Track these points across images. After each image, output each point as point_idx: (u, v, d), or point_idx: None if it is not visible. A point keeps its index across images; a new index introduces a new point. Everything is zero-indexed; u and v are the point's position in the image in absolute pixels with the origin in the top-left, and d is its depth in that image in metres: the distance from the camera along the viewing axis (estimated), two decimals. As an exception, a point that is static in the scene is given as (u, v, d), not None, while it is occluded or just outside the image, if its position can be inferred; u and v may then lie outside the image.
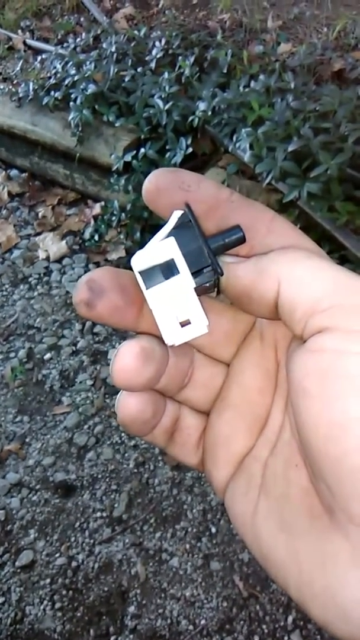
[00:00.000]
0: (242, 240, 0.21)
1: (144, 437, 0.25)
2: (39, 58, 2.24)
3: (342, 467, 0.17)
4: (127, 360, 0.21)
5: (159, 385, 0.24)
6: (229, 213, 0.22)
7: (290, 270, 0.20)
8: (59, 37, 2.42)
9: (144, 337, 0.22)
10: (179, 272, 0.21)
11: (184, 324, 0.21)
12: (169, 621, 1.17)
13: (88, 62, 1.99)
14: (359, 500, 0.17)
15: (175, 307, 0.21)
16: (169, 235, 0.21)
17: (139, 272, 0.21)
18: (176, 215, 0.21)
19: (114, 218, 1.90)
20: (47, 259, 1.99)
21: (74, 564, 1.25)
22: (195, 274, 0.21)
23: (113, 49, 1.99)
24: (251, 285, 0.21)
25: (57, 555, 1.27)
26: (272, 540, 0.21)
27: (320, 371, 0.18)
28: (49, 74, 2.09)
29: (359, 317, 0.18)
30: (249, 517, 0.22)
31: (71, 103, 1.92)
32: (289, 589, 0.20)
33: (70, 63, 2.04)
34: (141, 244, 0.22)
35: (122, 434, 1.48)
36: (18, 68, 2.28)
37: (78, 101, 1.89)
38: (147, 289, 0.21)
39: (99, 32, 2.24)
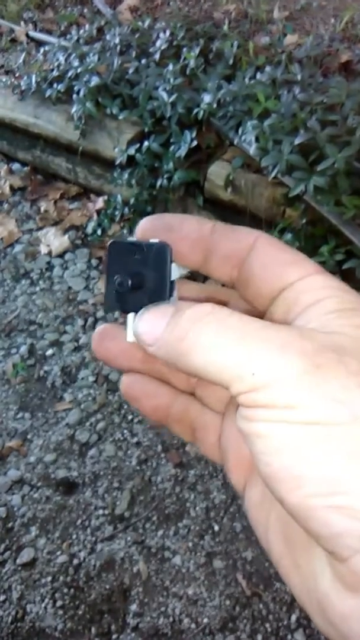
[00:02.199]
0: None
1: (171, 429, 0.28)
2: (41, 50, 2.22)
3: (297, 496, 0.18)
4: (94, 336, 0.27)
5: (156, 372, 0.27)
6: (212, 243, 0.24)
7: (208, 341, 0.20)
8: (62, 28, 2.39)
9: (115, 324, 0.27)
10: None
11: None
12: (171, 619, 1.16)
13: (91, 54, 1.96)
14: (317, 523, 0.18)
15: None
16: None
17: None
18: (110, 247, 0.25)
19: (117, 212, 1.88)
20: (49, 253, 1.97)
21: (75, 561, 1.24)
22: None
23: (117, 41, 1.97)
24: (171, 362, 0.21)
25: (59, 552, 1.26)
26: (279, 551, 0.22)
27: (254, 437, 0.19)
28: (51, 66, 2.07)
29: (287, 392, 0.18)
30: (263, 527, 0.23)
31: (74, 96, 1.90)
32: (295, 597, 0.21)
33: (73, 55, 2.01)
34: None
35: (125, 431, 1.47)
36: (20, 60, 2.26)
37: (81, 94, 1.87)
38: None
39: (102, 23, 2.21)
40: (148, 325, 0.22)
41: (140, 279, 0.24)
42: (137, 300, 0.24)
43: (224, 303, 0.26)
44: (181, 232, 0.24)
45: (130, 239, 0.25)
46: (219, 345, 0.19)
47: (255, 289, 0.24)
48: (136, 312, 0.24)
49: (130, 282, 0.23)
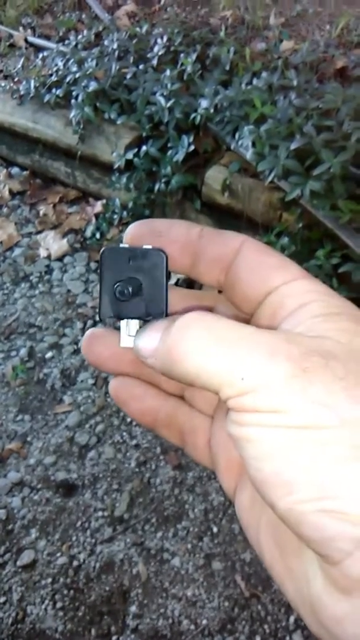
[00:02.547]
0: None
1: (159, 433, 0.28)
2: (40, 55, 2.23)
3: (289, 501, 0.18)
4: (83, 340, 0.27)
5: (145, 376, 0.27)
6: (200, 247, 0.25)
7: (197, 348, 0.20)
8: (61, 34, 2.41)
9: (104, 328, 0.27)
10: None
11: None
12: (170, 621, 1.17)
13: (89, 60, 1.98)
14: (308, 527, 0.18)
15: (130, 327, 0.25)
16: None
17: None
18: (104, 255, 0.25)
19: (115, 216, 1.89)
20: (49, 257, 1.99)
21: (75, 563, 1.25)
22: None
23: (115, 46, 1.98)
24: (166, 372, 0.21)
25: (59, 554, 1.27)
26: (271, 554, 0.22)
27: (246, 441, 0.19)
28: (50, 72, 2.08)
29: (275, 396, 0.18)
30: (255, 531, 0.23)
31: (72, 100, 1.91)
32: (289, 600, 0.22)
33: (72, 60, 2.03)
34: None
35: (124, 433, 1.48)
36: (19, 65, 2.27)
37: (79, 99, 1.89)
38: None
39: (100, 29, 2.23)
40: (145, 339, 0.22)
41: (137, 286, 0.24)
42: (133, 307, 0.24)
43: (210, 309, 0.27)
44: (169, 236, 0.25)
45: (123, 245, 0.25)
46: (208, 351, 0.19)
47: (242, 292, 0.24)
48: (131, 318, 0.24)
49: (130, 290, 0.23)
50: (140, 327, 0.25)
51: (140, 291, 0.24)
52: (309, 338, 0.20)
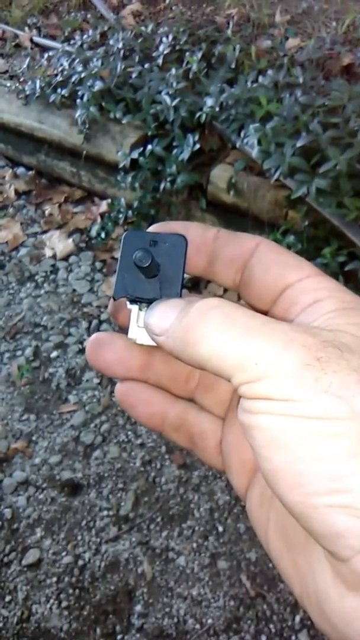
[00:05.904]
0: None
1: (167, 436, 0.28)
2: (45, 55, 2.24)
3: (299, 496, 0.18)
4: (87, 345, 0.26)
5: (152, 380, 0.27)
6: (216, 248, 0.25)
7: (215, 332, 0.20)
8: (66, 34, 2.41)
9: (108, 332, 0.27)
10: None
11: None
12: (175, 620, 1.16)
13: (95, 59, 1.98)
14: (318, 522, 0.18)
15: (140, 318, 0.25)
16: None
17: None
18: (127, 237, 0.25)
19: (120, 215, 1.89)
20: (54, 256, 1.99)
21: (80, 562, 1.25)
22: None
23: (120, 46, 1.98)
24: (177, 352, 0.21)
25: (64, 553, 1.27)
26: (278, 550, 0.22)
27: (259, 430, 0.19)
28: (55, 71, 2.08)
29: (287, 384, 0.18)
30: (263, 527, 0.23)
31: (78, 100, 1.92)
32: (295, 595, 0.22)
33: (77, 60, 2.03)
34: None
35: (129, 433, 1.48)
36: (25, 65, 2.27)
37: (85, 98, 1.89)
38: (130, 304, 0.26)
39: (105, 28, 2.23)
40: (159, 316, 0.22)
41: (155, 264, 0.23)
42: (148, 288, 0.24)
43: None
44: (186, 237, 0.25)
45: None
46: (224, 336, 0.19)
47: (257, 291, 0.24)
48: (145, 299, 0.24)
49: (150, 260, 0.23)
50: None
51: (158, 272, 0.24)
52: (325, 331, 0.20)
